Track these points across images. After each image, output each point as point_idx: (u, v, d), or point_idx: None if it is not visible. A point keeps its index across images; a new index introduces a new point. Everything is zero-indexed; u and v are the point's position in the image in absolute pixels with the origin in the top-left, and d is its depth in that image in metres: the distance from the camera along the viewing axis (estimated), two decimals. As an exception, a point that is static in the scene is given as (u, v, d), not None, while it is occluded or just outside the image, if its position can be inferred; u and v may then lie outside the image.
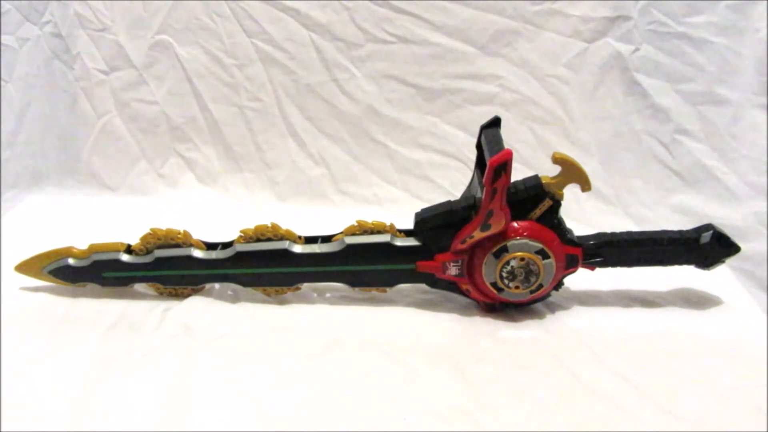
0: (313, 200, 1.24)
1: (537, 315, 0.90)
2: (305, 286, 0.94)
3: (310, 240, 0.91)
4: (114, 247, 0.92)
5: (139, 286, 0.95)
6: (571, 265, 0.87)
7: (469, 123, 1.18)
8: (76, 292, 0.95)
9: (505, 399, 0.74)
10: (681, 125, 1.11)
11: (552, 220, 0.84)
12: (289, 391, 0.75)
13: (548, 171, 0.83)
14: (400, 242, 0.88)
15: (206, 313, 0.90)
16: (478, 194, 0.82)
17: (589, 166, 0.86)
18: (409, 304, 0.92)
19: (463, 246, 0.85)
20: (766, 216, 1.07)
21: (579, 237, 0.88)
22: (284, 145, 1.24)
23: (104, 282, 0.93)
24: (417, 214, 0.88)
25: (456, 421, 0.71)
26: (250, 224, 0.90)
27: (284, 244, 0.89)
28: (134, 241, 0.92)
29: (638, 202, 1.15)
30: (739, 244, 0.88)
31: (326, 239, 0.91)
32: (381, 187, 1.24)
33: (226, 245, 0.92)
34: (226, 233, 0.92)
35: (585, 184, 0.83)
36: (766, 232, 1.07)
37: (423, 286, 0.91)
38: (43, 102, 1.25)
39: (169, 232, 0.90)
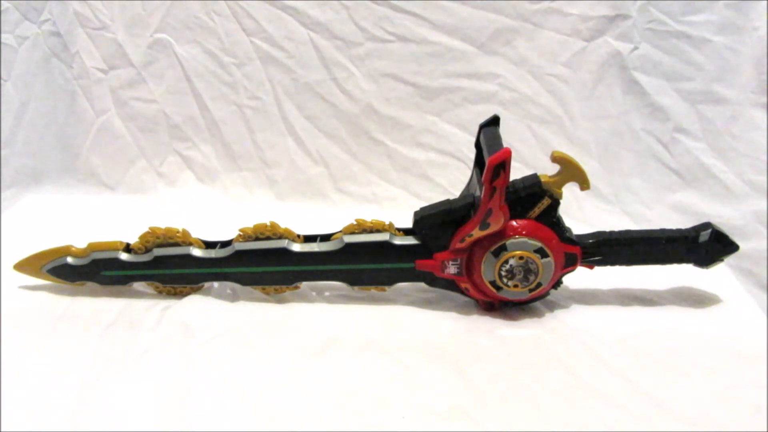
0: (311, 199, 1.24)
1: (536, 314, 0.90)
2: (304, 285, 0.94)
3: (309, 239, 0.91)
4: (113, 246, 0.92)
5: (138, 285, 0.95)
6: (569, 264, 0.87)
7: (468, 122, 1.18)
8: (75, 291, 0.95)
9: (503, 397, 0.74)
10: (680, 124, 1.11)
11: (551, 219, 0.84)
12: (288, 389, 0.75)
13: (547, 170, 0.83)
14: (398, 241, 0.88)
15: (205, 311, 0.90)
16: (477, 193, 0.82)
17: (587, 165, 0.85)
18: (407, 303, 0.92)
19: (462, 245, 0.85)
20: (766, 214, 1.07)
21: (578, 236, 0.88)
22: (283, 144, 1.24)
23: (103, 281, 0.93)
24: (416, 213, 0.88)
25: (454, 419, 0.71)
26: (249, 223, 0.90)
27: (283, 243, 0.89)
28: (133, 239, 0.92)
29: (637, 200, 1.15)
30: (738, 242, 0.88)
31: (325, 238, 0.91)
32: (380, 185, 1.24)
33: (225, 244, 0.92)
34: (225, 232, 0.92)
35: (584, 183, 0.83)
36: (764, 230, 1.07)
37: (422, 284, 0.91)
38: (42, 100, 1.25)
39: (168, 230, 0.90)
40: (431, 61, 1.17)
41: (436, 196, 1.01)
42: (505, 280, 0.85)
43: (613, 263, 0.89)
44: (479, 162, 0.88)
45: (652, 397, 0.73)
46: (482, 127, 0.87)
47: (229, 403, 0.73)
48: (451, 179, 1.21)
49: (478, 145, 0.88)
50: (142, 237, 0.91)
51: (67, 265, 0.92)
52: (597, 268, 0.89)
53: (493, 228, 0.81)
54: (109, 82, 1.24)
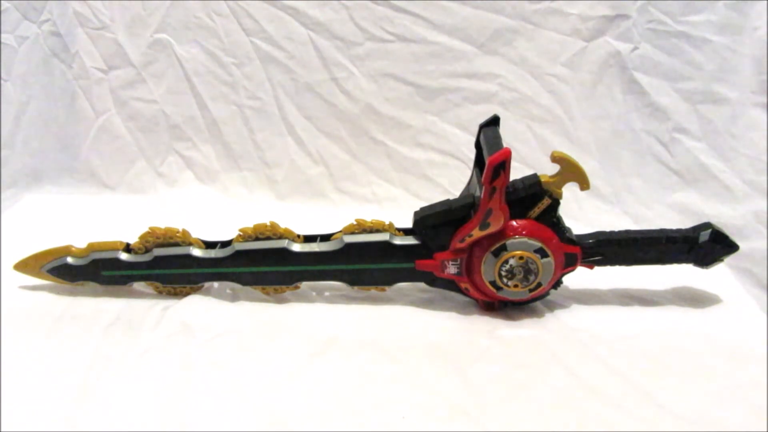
0: (312, 199, 1.24)
1: (536, 314, 0.90)
2: (304, 285, 0.94)
3: (309, 239, 0.91)
4: (113, 246, 0.92)
5: (138, 285, 0.95)
6: (569, 264, 0.87)
7: (468, 122, 1.18)
8: (75, 291, 0.95)
9: (503, 397, 0.74)
10: (680, 124, 1.11)
11: (551, 219, 0.84)
12: (288, 389, 0.75)
13: (547, 170, 0.83)
14: (398, 241, 0.88)
15: (205, 311, 0.90)
16: (477, 193, 0.82)
17: (587, 165, 0.86)
18: (407, 303, 0.92)
19: (462, 245, 0.85)
20: (766, 214, 1.07)
21: (578, 236, 0.88)
22: (283, 144, 1.24)
23: (103, 281, 0.93)
24: (416, 213, 0.88)
25: (455, 419, 0.71)
26: (249, 223, 0.90)
27: (283, 243, 0.89)
28: (133, 239, 0.92)
29: (637, 200, 1.15)
30: (738, 242, 0.89)
31: (325, 238, 0.91)
32: (380, 185, 1.24)
33: (225, 244, 0.92)
34: (225, 232, 0.92)
35: (584, 183, 0.83)
36: (764, 230, 1.06)
37: (422, 284, 0.91)
38: (42, 101, 1.25)
39: (168, 230, 0.90)
40: (431, 61, 1.17)
41: (436, 196, 1.01)
42: (505, 280, 0.85)
43: (613, 263, 0.89)
44: (479, 162, 0.88)
45: (652, 397, 0.73)
46: (482, 127, 0.87)
47: (229, 403, 0.73)
48: (451, 179, 1.21)
49: (478, 145, 0.88)
50: (142, 237, 0.91)
51: (67, 265, 0.92)
52: (597, 268, 0.89)
53: (493, 228, 0.81)
54: (109, 82, 1.24)
